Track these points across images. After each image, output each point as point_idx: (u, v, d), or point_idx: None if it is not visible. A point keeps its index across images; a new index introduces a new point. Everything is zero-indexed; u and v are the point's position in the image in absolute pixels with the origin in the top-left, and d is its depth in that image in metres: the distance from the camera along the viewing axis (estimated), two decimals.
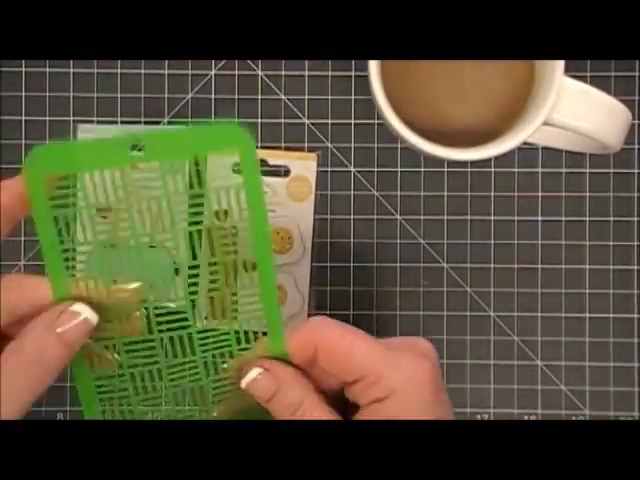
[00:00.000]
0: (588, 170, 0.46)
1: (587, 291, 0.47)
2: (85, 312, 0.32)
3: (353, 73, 0.46)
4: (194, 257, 0.38)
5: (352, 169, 0.46)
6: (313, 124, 0.46)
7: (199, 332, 0.34)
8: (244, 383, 0.33)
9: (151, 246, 0.35)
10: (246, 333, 0.34)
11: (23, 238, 0.45)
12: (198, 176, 0.37)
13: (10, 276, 0.32)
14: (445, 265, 0.46)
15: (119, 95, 0.45)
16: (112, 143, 0.31)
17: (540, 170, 0.46)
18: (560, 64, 0.37)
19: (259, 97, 0.46)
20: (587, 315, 0.47)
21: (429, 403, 0.32)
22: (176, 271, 0.41)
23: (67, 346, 0.31)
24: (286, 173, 0.45)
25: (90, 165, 0.31)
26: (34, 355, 0.30)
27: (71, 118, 0.45)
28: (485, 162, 0.46)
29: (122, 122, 0.45)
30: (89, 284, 0.32)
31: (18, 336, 0.31)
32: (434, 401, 0.32)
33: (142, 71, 0.45)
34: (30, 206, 0.31)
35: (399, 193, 0.46)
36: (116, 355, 0.34)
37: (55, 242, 0.32)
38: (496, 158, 0.39)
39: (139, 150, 0.32)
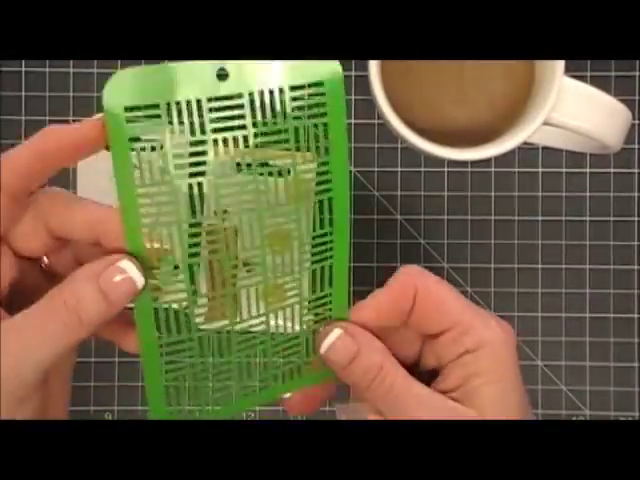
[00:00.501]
0: (588, 170, 0.46)
1: (587, 291, 0.47)
2: (131, 271, 0.30)
3: (353, 73, 0.46)
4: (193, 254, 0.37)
5: (352, 169, 0.46)
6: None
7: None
8: (323, 348, 0.32)
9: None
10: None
11: None
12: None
13: (86, 199, 0.31)
14: (445, 265, 0.46)
15: None
16: (197, 68, 0.30)
17: (540, 170, 0.46)
18: (560, 64, 0.37)
19: None
20: (587, 315, 0.47)
21: (513, 361, 0.32)
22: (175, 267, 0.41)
23: (108, 302, 0.29)
24: (286, 173, 0.45)
25: (172, 93, 0.30)
26: (70, 300, 0.29)
27: (71, 118, 0.45)
28: (485, 162, 0.46)
29: None
30: (161, 235, 0.31)
31: (61, 283, 0.30)
32: (516, 361, 0.32)
33: None
34: (107, 142, 0.30)
35: (399, 193, 0.46)
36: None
37: (132, 184, 0.30)
38: (496, 158, 0.39)
39: (223, 78, 0.30)
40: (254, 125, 0.31)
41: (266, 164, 0.38)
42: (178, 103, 0.30)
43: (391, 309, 0.32)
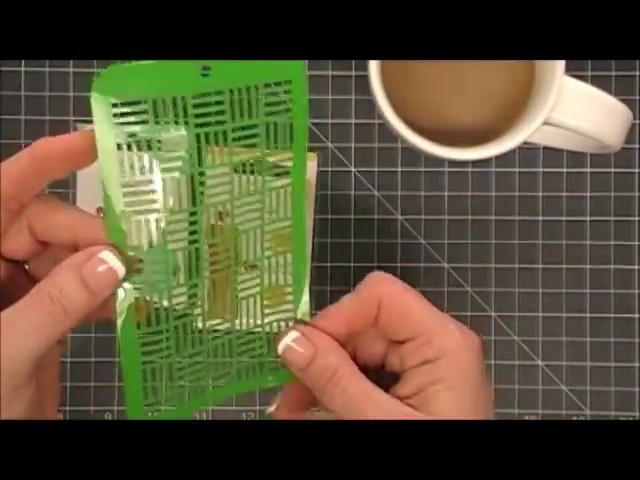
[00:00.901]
0: (589, 170, 0.46)
1: (588, 291, 0.47)
2: (112, 261, 0.31)
3: (353, 73, 0.46)
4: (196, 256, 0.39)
5: (352, 169, 0.46)
6: (313, 124, 0.46)
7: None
8: (280, 349, 0.33)
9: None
10: None
11: None
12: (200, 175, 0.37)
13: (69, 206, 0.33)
14: (445, 265, 0.46)
15: None
16: (181, 66, 0.32)
17: (541, 170, 0.46)
18: (560, 64, 0.37)
19: None
20: (588, 315, 0.47)
21: (474, 367, 0.32)
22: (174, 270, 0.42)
23: (89, 292, 0.30)
24: (286, 173, 0.45)
25: (158, 89, 0.31)
26: (53, 292, 0.30)
27: (71, 118, 0.45)
28: (485, 162, 0.46)
29: None
30: (140, 226, 0.33)
31: (45, 277, 0.31)
32: (480, 369, 0.32)
33: None
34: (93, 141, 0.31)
35: (399, 193, 0.46)
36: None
37: (115, 173, 0.32)
38: (496, 158, 0.39)
39: (206, 75, 0.32)
40: (232, 120, 0.32)
41: (267, 164, 0.39)
42: (164, 99, 0.31)
43: (356, 317, 0.33)
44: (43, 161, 0.31)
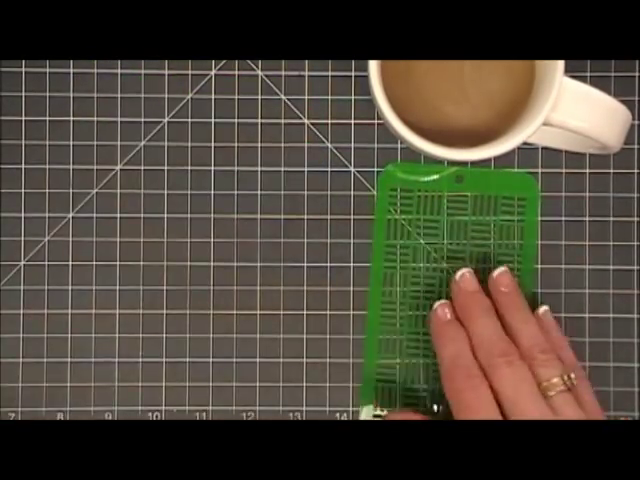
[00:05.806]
0: (588, 170, 0.46)
1: (587, 291, 0.47)
2: None
3: (353, 73, 0.46)
4: None
5: (352, 169, 0.46)
6: (313, 124, 0.46)
7: None
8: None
9: None
10: None
11: (23, 238, 0.45)
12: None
13: None
14: (445, 265, 0.46)
15: (119, 95, 0.45)
16: (442, 173, 0.45)
17: (540, 170, 0.46)
18: (560, 64, 0.37)
19: (259, 97, 0.46)
20: (587, 315, 0.47)
21: None
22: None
23: None
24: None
25: (424, 186, 0.45)
26: None
27: (71, 118, 0.45)
28: (485, 162, 0.46)
29: (122, 122, 0.45)
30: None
31: None
32: None
33: (142, 71, 0.45)
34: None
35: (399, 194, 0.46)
36: None
37: (383, 241, 0.45)
38: (496, 158, 0.39)
39: (460, 182, 0.45)
40: (473, 214, 0.45)
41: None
42: (427, 191, 0.45)
43: None
44: None
